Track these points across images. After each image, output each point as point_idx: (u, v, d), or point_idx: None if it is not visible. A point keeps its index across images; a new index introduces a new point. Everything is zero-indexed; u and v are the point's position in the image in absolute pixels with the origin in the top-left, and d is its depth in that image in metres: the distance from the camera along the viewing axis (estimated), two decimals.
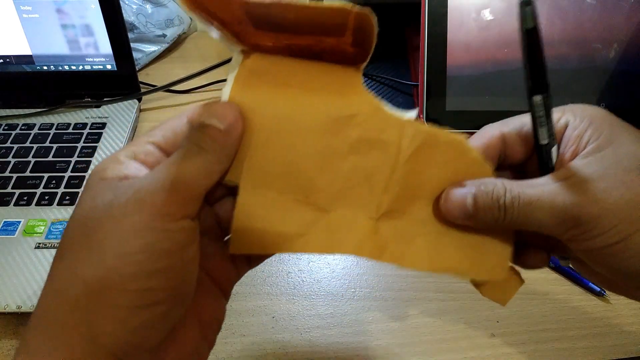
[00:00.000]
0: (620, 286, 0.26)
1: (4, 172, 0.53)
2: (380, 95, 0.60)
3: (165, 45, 0.71)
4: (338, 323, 0.43)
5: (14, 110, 0.60)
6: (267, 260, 0.47)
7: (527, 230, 0.25)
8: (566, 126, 0.25)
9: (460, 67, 0.52)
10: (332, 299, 0.45)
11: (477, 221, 0.25)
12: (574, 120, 0.25)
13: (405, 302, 0.45)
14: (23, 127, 0.58)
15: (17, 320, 0.43)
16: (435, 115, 0.53)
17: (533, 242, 0.28)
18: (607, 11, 0.50)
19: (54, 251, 0.46)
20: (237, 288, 0.45)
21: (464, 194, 0.25)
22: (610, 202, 0.21)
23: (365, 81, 0.62)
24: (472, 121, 0.53)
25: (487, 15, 0.50)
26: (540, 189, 0.23)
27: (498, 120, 0.28)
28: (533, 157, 0.27)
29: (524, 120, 0.27)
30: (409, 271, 0.47)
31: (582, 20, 0.50)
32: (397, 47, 0.67)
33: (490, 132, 0.27)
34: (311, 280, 0.46)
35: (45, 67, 0.60)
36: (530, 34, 0.22)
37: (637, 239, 0.21)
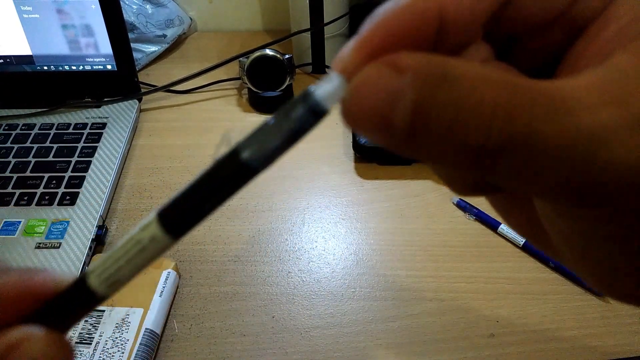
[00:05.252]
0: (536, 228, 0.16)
1: (4, 172, 0.53)
2: None
3: (165, 46, 0.71)
4: (338, 323, 0.43)
5: (14, 110, 0.60)
6: (267, 260, 0.48)
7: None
8: None
9: None
10: (332, 299, 0.45)
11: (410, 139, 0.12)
12: None
13: (405, 302, 0.45)
14: (23, 127, 0.58)
15: None
16: None
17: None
18: None
19: (54, 251, 0.46)
20: (237, 288, 0.45)
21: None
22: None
23: None
24: None
25: None
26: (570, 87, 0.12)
27: None
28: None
29: None
30: (409, 271, 0.47)
31: None
32: None
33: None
34: (311, 280, 0.46)
35: (45, 67, 0.60)
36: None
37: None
